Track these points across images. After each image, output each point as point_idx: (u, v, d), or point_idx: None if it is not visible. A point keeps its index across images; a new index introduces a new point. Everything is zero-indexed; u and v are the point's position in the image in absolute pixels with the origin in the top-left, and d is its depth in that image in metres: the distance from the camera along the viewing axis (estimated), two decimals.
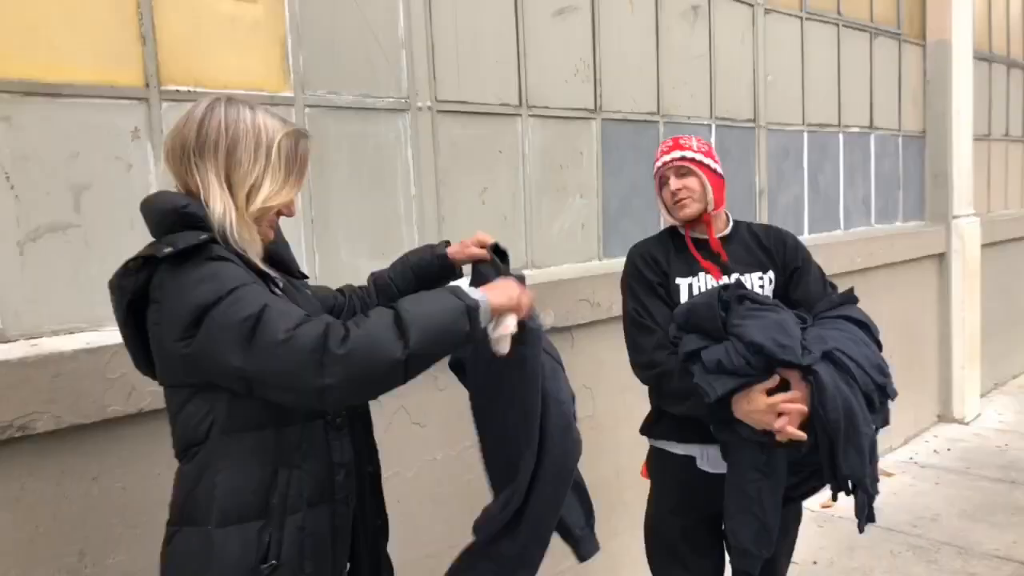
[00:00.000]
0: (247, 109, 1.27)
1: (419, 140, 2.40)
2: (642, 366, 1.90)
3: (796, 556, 3.31)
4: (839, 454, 1.64)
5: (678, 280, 1.95)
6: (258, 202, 1.25)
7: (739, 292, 1.79)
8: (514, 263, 2.66)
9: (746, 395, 1.70)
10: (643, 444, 2.07)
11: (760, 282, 1.96)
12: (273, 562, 1.22)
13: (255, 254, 1.27)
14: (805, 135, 4.07)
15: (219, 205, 1.23)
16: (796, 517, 2.06)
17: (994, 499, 3.87)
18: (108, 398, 1.68)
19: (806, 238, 4.07)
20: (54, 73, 1.73)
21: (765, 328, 1.67)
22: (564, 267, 2.82)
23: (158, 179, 1.86)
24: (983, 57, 5.65)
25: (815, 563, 3.29)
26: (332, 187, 2.21)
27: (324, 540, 1.29)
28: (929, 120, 5.06)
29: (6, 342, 1.66)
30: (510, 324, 1.28)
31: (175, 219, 1.21)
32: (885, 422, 1.78)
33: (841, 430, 1.62)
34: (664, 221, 2.11)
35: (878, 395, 1.72)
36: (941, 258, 5.03)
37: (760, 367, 1.68)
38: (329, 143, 2.21)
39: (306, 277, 1.50)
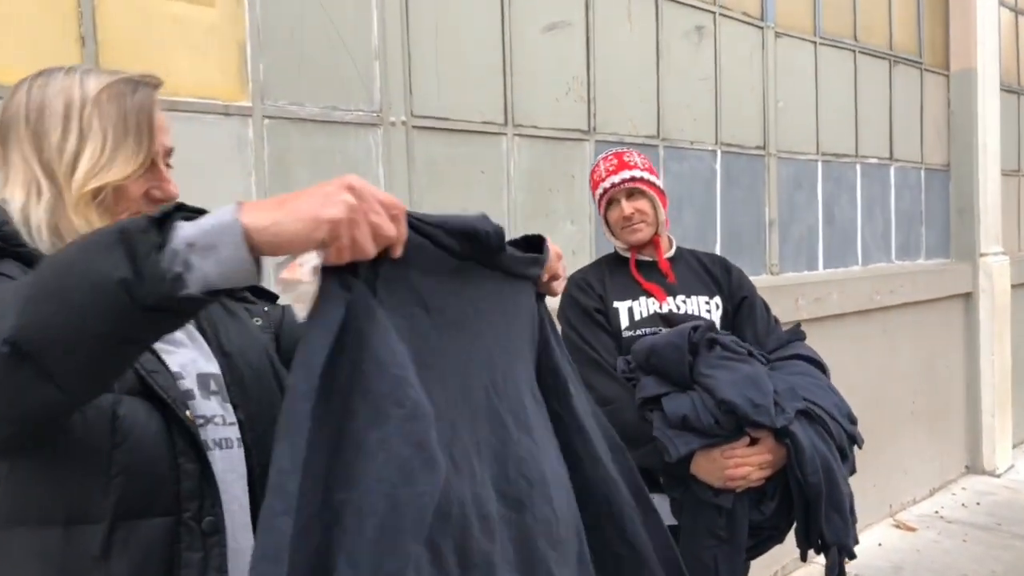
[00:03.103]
0: (62, 73, 0.96)
1: (392, 156, 2.24)
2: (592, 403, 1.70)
3: None
4: (820, 518, 1.46)
5: (616, 304, 1.77)
6: (79, 177, 0.91)
7: (710, 335, 1.61)
8: None
9: (707, 454, 1.52)
10: None
11: (707, 307, 1.80)
12: None
13: None
14: (819, 165, 3.86)
15: (19, 193, 0.92)
16: (745, 572, 1.88)
17: None
18: None
19: (821, 273, 3.84)
20: None
21: (737, 383, 1.50)
22: None
23: None
24: (1012, 90, 5.42)
25: None
26: None
27: None
28: (954, 153, 4.83)
29: None
30: (305, 266, 0.70)
31: None
32: (852, 471, 1.62)
33: (823, 493, 1.45)
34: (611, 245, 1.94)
35: (849, 444, 1.57)
36: (968, 298, 4.75)
37: (730, 427, 1.51)
38: (291, 157, 2.06)
39: (258, 297, 1.14)
